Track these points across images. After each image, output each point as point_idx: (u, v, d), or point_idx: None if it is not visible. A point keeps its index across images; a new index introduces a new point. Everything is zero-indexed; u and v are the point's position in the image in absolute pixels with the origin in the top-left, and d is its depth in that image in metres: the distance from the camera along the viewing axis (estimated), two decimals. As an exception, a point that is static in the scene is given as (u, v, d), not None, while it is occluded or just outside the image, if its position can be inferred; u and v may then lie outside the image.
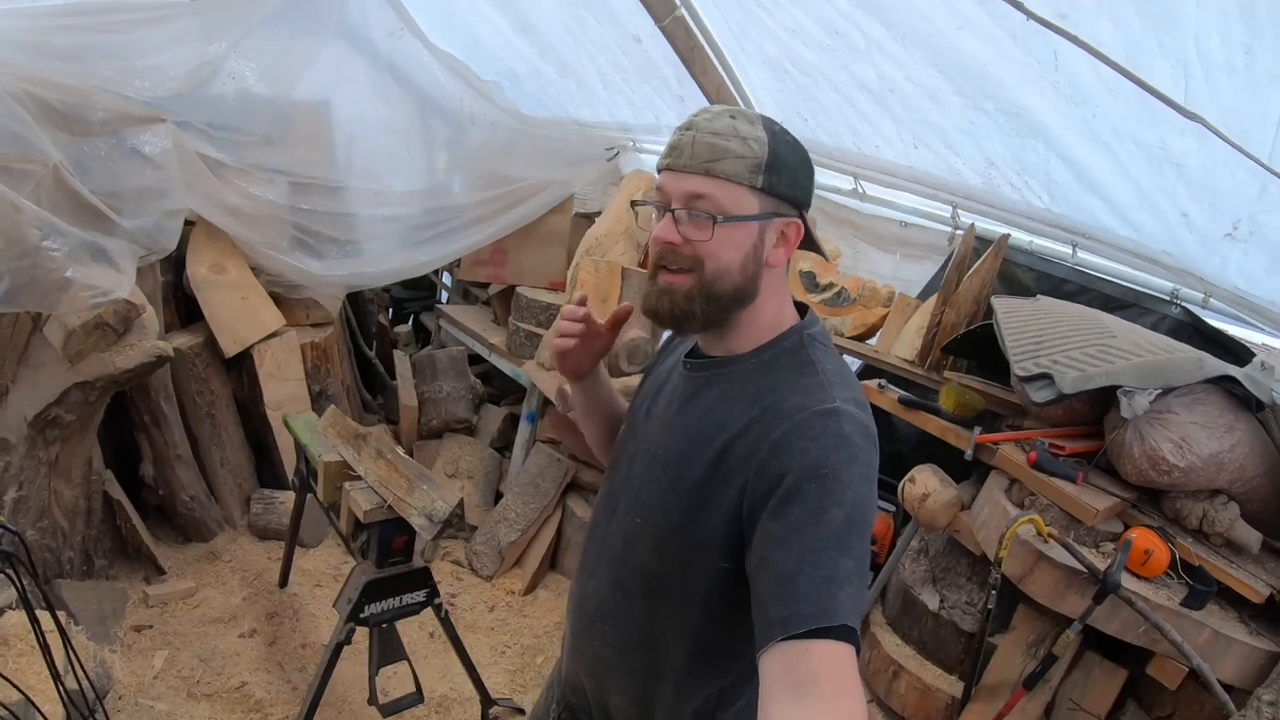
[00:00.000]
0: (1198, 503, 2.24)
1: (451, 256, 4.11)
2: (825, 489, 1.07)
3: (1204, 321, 2.69)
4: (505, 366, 4.20)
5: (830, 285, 3.50)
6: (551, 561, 3.87)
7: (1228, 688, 2.00)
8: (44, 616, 1.91)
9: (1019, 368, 2.41)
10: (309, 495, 3.05)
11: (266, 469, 3.70)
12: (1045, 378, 2.35)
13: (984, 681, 2.37)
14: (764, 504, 1.11)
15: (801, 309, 1.34)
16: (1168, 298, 2.79)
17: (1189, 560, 2.14)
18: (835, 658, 0.98)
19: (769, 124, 1.23)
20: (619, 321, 1.47)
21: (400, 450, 2.74)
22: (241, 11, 2.99)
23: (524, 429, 4.08)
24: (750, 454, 1.16)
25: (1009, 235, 3.02)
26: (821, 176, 3.82)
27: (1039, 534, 2.20)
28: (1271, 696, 1.94)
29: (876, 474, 1.15)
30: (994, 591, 2.28)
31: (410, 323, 5.08)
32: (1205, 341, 2.62)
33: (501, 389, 4.58)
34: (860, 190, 3.62)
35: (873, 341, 3.43)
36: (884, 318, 3.37)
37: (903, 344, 3.22)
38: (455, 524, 2.47)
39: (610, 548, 1.36)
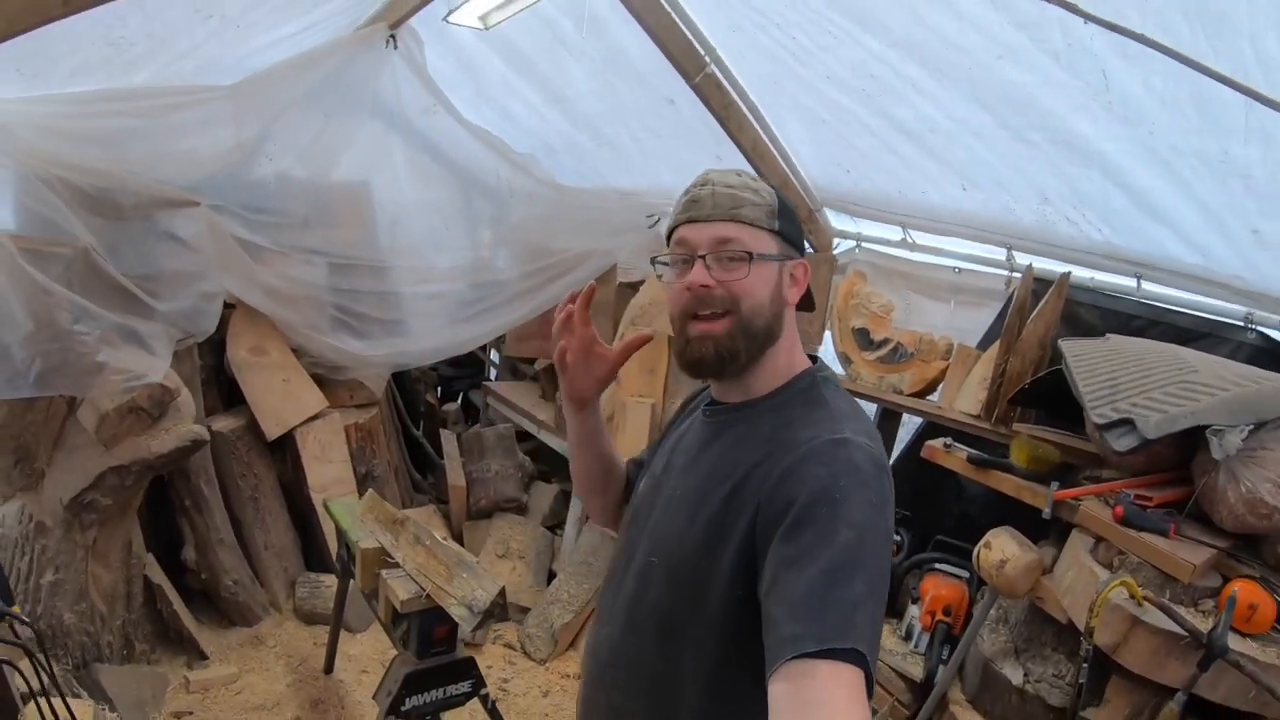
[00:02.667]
0: (1300, 544, 1.98)
1: (496, 332, 4.09)
2: (835, 512, 1.08)
3: (1285, 347, 2.45)
4: (554, 443, 4.11)
5: (885, 341, 3.34)
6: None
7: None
8: (74, 705, 1.84)
9: (1096, 414, 2.21)
10: (350, 581, 2.97)
11: (312, 552, 3.65)
12: (1126, 423, 2.15)
13: (1080, 763, 2.10)
14: (774, 529, 1.12)
15: (811, 357, 1.39)
16: (1242, 324, 2.56)
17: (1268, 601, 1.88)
18: (844, 681, 0.97)
19: (767, 182, 1.34)
20: (630, 349, 1.49)
21: (440, 535, 2.66)
22: (274, 94, 3.06)
23: (575, 506, 3.96)
24: (761, 483, 1.18)
25: (1070, 273, 2.83)
26: (869, 228, 3.71)
27: (1132, 597, 1.96)
28: None
29: (891, 504, 1.16)
30: (1085, 664, 2.03)
31: (459, 401, 5.05)
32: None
33: (552, 465, 4.48)
34: (909, 240, 3.48)
35: (934, 398, 3.24)
36: (944, 371, 3.19)
37: (966, 398, 3.02)
38: (497, 613, 2.36)
39: (625, 593, 1.37)
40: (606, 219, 4.24)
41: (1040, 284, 2.94)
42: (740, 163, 3.70)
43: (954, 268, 3.40)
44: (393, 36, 3.37)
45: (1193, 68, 1.93)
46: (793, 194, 3.60)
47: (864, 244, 3.75)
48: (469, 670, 2.57)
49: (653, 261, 1.37)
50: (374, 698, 2.57)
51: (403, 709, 2.45)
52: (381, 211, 3.78)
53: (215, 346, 3.28)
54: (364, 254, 3.64)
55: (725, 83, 3.27)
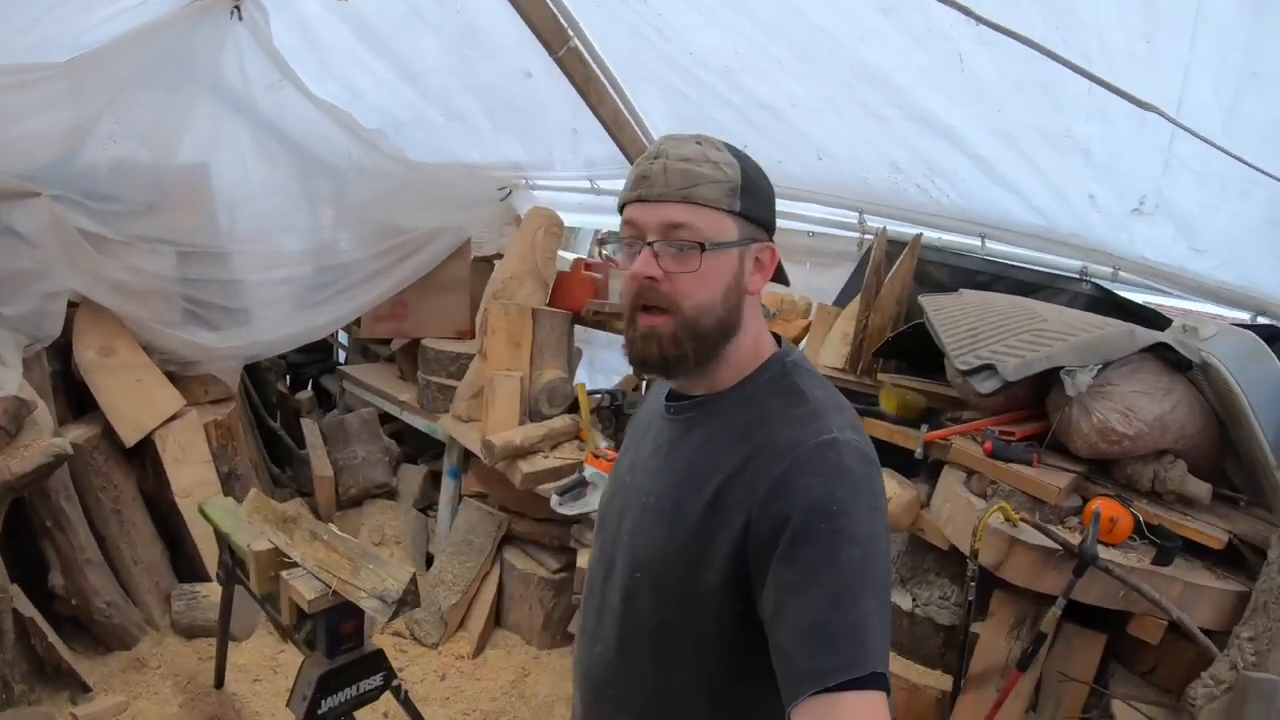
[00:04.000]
0: (1147, 465, 2.32)
1: (352, 315, 3.91)
2: (834, 526, 1.02)
3: (1116, 294, 2.83)
4: (419, 423, 4.01)
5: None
6: (496, 618, 3.69)
7: (1207, 633, 2.07)
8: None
9: (960, 362, 2.45)
10: (237, 587, 2.80)
11: (183, 562, 3.38)
12: (987, 368, 2.40)
13: (971, 671, 2.38)
14: (771, 547, 1.05)
15: (776, 336, 1.30)
16: (1078, 276, 2.92)
17: (1149, 521, 2.21)
18: (867, 710, 0.95)
19: (732, 148, 1.19)
20: None
21: (335, 529, 2.56)
22: (113, 71, 2.74)
23: (448, 486, 3.90)
24: (748, 493, 1.10)
25: (921, 235, 3.10)
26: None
27: (1008, 520, 2.23)
28: (1250, 633, 2.02)
29: (884, 499, 1.12)
30: (972, 583, 2.29)
31: (309, 387, 4.80)
32: (1120, 313, 2.74)
33: (416, 447, 4.36)
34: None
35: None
36: (805, 329, 3.40)
37: (829, 353, 3.24)
38: (410, 600, 2.32)
39: (610, 608, 1.29)
40: (457, 194, 4.15)
41: (893, 245, 3.20)
42: (598, 136, 3.75)
43: (808, 231, 3.62)
44: (237, 8, 3.10)
45: (1043, 53, 2.15)
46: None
47: (720, 212, 3.89)
48: (380, 663, 2.49)
49: (601, 242, 1.31)
50: (288, 705, 2.44)
51: (319, 712, 2.34)
52: (225, 194, 3.47)
53: (59, 350, 2.91)
54: (208, 241, 3.35)
55: (587, 56, 3.28)
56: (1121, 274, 2.81)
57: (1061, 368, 2.30)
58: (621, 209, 1.21)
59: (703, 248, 1.12)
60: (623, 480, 1.35)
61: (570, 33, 3.16)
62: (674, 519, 1.18)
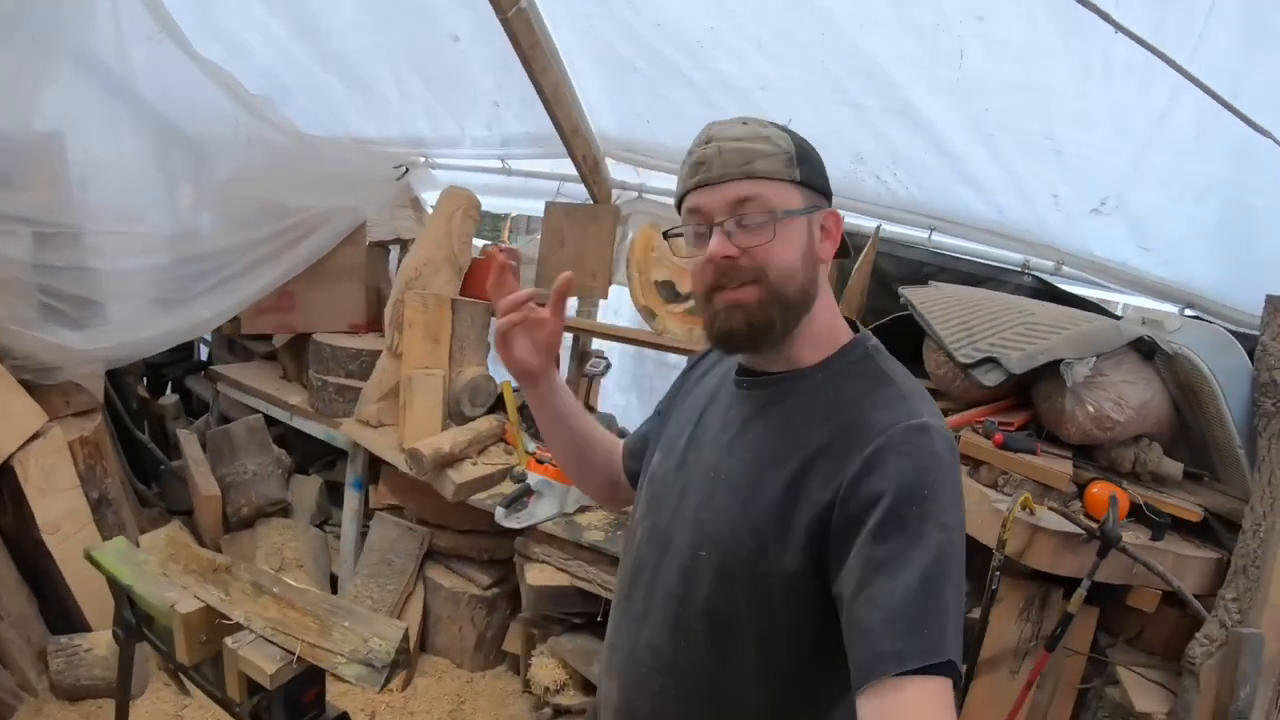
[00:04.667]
0: (1128, 449, 2.50)
1: (237, 308, 3.40)
2: (925, 512, 1.02)
3: (1055, 287, 3.02)
4: (315, 429, 3.58)
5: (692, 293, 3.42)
6: (421, 643, 3.38)
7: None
8: None
9: (961, 355, 2.53)
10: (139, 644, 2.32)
11: (54, 610, 2.81)
12: (990, 361, 2.49)
13: (983, 655, 2.46)
14: (859, 524, 1.05)
15: (852, 323, 1.31)
16: (1019, 269, 3.10)
17: (1144, 501, 2.38)
18: (938, 697, 0.95)
19: (775, 124, 1.22)
20: (563, 296, 1.37)
21: (291, 580, 2.18)
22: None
23: (351, 499, 3.51)
24: (836, 470, 1.09)
25: (880, 226, 3.16)
26: (653, 179, 3.73)
27: (1024, 508, 2.32)
28: (1233, 594, 2.23)
29: (962, 491, 1.13)
30: (997, 572, 2.36)
31: (169, 390, 4.13)
32: (1057, 303, 2.93)
33: (304, 455, 3.89)
34: (699, 192, 3.57)
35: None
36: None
37: None
38: (403, 661, 2.00)
39: (665, 589, 1.26)
40: (351, 172, 3.72)
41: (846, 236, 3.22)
42: (520, 112, 3.50)
43: (748, 220, 3.57)
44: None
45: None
46: (581, 143, 3.47)
47: (646, 195, 3.76)
48: (347, 728, 2.16)
49: (665, 235, 1.29)
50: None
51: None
52: (84, 167, 2.87)
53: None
54: (70, 221, 2.75)
55: (535, 21, 3.02)
56: (1064, 268, 3.00)
57: (1061, 360, 2.42)
58: (680, 201, 1.24)
59: (776, 215, 1.14)
60: (683, 457, 1.31)
61: (525, -8, 2.89)
62: (750, 495, 1.17)
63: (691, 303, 3.42)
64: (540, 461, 3.12)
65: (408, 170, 3.87)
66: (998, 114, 2.58)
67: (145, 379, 3.86)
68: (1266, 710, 2.10)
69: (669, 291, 3.46)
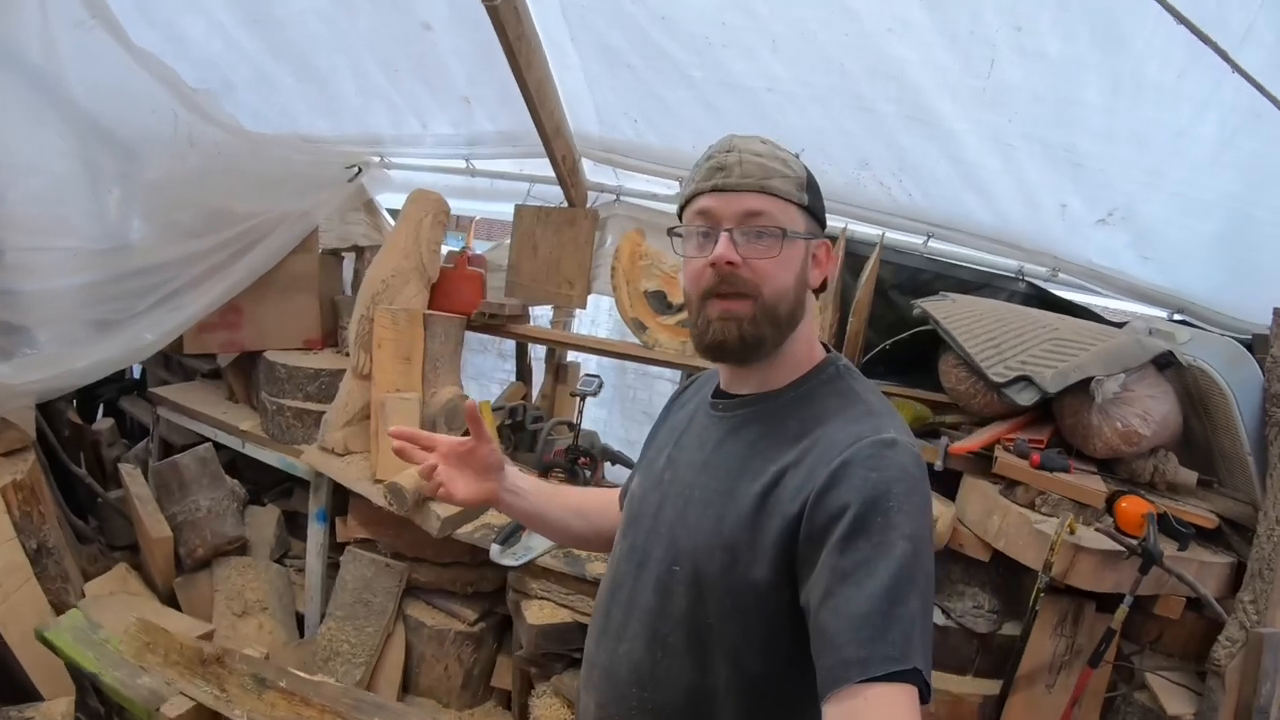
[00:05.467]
0: (1147, 460, 2.58)
1: (184, 326, 3.05)
2: (890, 523, 1.06)
3: (1049, 292, 3.09)
4: (270, 458, 3.29)
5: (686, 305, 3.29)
6: (404, 685, 3.17)
7: (1210, 601, 2.38)
8: None
9: (994, 374, 2.55)
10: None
11: (-1, 678, 2.44)
12: (1023, 379, 2.50)
13: (1020, 671, 2.48)
14: (825, 535, 1.08)
15: (824, 344, 1.37)
16: (1014, 275, 3.14)
17: (1170, 513, 2.44)
18: (903, 703, 0.98)
19: (787, 150, 1.27)
20: (478, 420, 1.44)
21: (297, 671, 1.97)
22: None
23: (315, 532, 3.25)
24: (804, 484, 1.13)
25: (884, 234, 3.12)
26: (631, 182, 3.58)
27: (1070, 530, 2.34)
28: (1250, 596, 2.33)
29: (931, 505, 1.16)
30: (1041, 593, 2.37)
31: (100, 413, 3.71)
32: (1050, 308, 2.99)
33: (257, 482, 3.57)
34: (682, 196, 3.45)
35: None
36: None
37: None
38: None
39: (642, 604, 1.29)
40: (300, 173, 3.40)
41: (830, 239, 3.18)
42: (492, 110, 3.29)
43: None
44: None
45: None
46: (562, 144, 3.29)
47: (624, 198, 3.61)
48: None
49: (670, 233, 1.30)
50: None
51: None
52: (7, 172, 2.48)
53: None
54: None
55: (522, 11, 2.81)
56: (1060, 274, 3.06)
57: (1092, 377, 2.44)
58: (688, 202, 1.26)
59: (784, 233, 1.19)
60: (660, 477, 1.36)
61: (515, -25, 2.69)
62: (723, 510, 1.20)
63: (684, 314, 3.30)
64: (534, 489, 2.95)
65: (361, 171, 3.57)
66: (1020, 124, 2.60)
67: (74, 401, 3.44)
68: (1280, 702, 2.22)
69: (659, 302, 3.34)
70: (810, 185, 1.25)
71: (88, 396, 3.69)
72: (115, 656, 2.03)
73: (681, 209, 1.30)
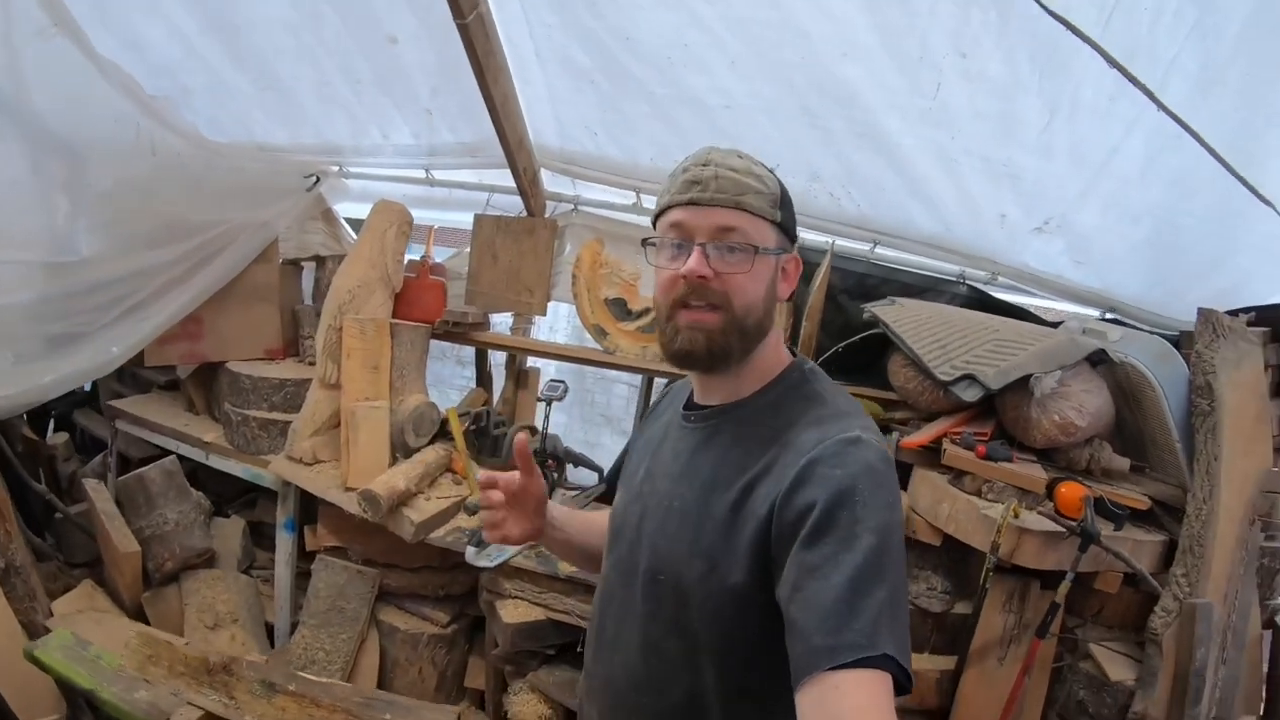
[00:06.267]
0: (1084, 449, 2.82)
1: (149, 338, 3.08)
2: (855, 516, 1.11)
3: (989, 295, 3.33)
4: (236, 469, 3.33)
5: (645, 311, 3.45)
6: (379, 689, 3.22)
7: (1144, 577, 2.63)
8: None
9: (941, 373, 2.76)
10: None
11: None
12: (968, 378, 2.73)
13: (973, 647, 2.70)
14: (794, 533, 1.14)
15: (790, 348, 1.43)
16: (956, 279, 3.38)
17: (1098, 495, 2.68)
18: (873, 690, 1.01)
19: (762, 164, 1.33)
20: (527, 458, 1.46)
21: (308, 675, 2.05)
22: None
23: (284, 542, 3.31)
24: (773, 488, 1.19)
25: (834, 242, 3.33)
26: (588, 191, 3.72)
27: (1015, 515, 2.56)
28: (1182, 570, 2.58)
29: (900, 499, 1.23)
30: (990, 572, 2.59)
31: (52, 427, 3.66)
32: (990, 310, 3.23)
33: (220, 494, 3.59)
34: (640, 204, 3.61)
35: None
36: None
37: None
38: None
39: (633, 614, 1.36)
40: (260, 183, 3.44)
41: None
42: (452, 122, 3.39)
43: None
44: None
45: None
46: (524, 156, 3.41)
47: (582, 207, 3.75)
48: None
49: (643, 243, 1.35)
50: None
51: None
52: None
53: None
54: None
55: (490, 28, 2.92)
56: (999, 278, 3.31)
57: (1031, 374, 2.68)
58: (662, 212, 1.32)
59: (756, 250, 1.24)
60: (639, 490, 1.42)
61: (483, -5, 2.80)
62: (699, 520, 1.26)
63: (644, 320, 3.46)
64: (503, 493, 3.05)
65: (319, 180, 3.62)
66: (963, 141, 2.81)
67: (25, 416, 3.41)
68: (1215, 667, 2.49)
69: (620, 309, 3.48)
70: (784, 201, 1.30)
71: (39, 411, 3.65)
72: (109, 672, 2.08)
73: (655, 218, 1.34)
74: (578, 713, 1.57)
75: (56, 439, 3.48)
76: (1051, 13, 2.12)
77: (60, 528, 3.29)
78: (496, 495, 1.43)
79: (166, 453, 3.34)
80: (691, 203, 1.24)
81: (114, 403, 3.45)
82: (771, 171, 1.31)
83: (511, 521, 1.48)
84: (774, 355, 1.34)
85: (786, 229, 1.31)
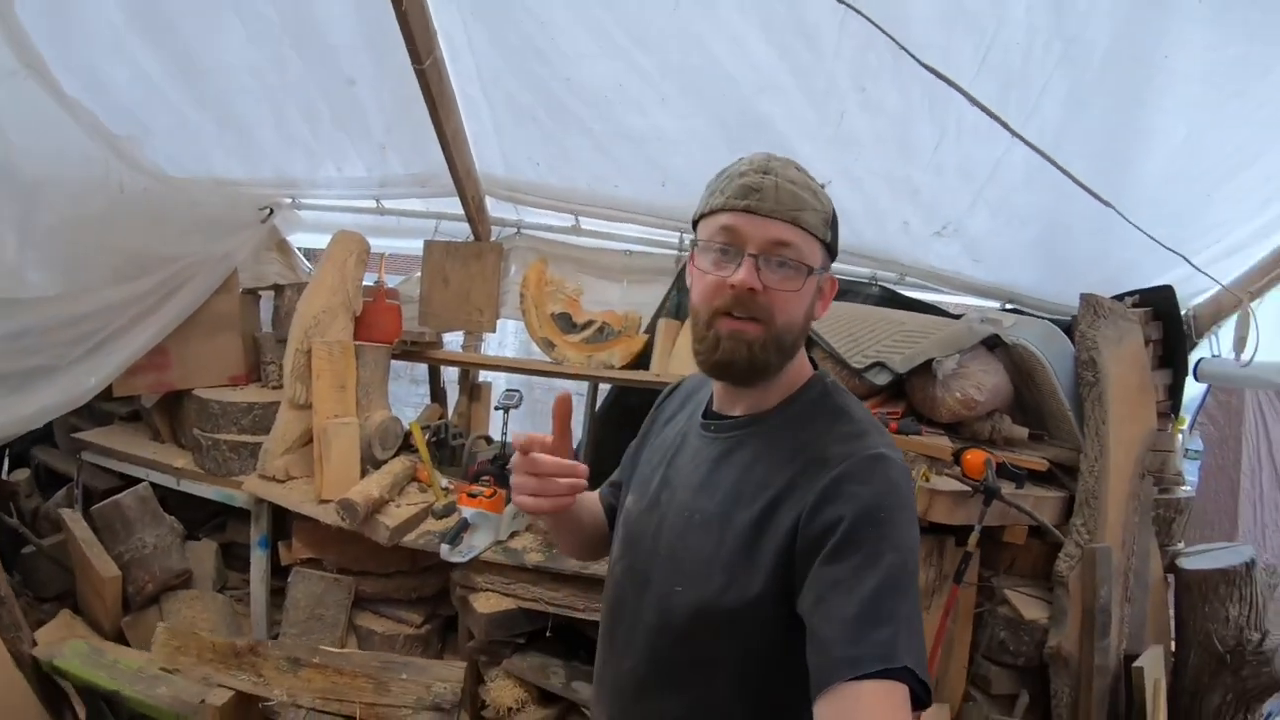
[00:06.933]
0: (985, 422, 3.26)
1: (121, 368, 3.27)
2: (881, 533, 1.14)
3: (899, 293, 3.80)
4: (208, 491, 3.53)
5: (590, 323, 3.80)
6: (359, 692, 3.46)
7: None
8: None
9: (854, 362, 3.17)
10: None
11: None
12: (878, 365, 3.15)
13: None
14: (818, 547, 1.16)
15: (810, 360, 1.43)
16: (868, 280, 3.84)
17: (1000, 460, 3.11)
18: (892, 701, 1.04)
19: (815, 180, 1.33)
20: (565, 419, 1.38)
21: (328, 647, 2.27)
22: None
23: (258, 559, 3.52)
24: (798, 503, 1.21)
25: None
26: (536, 216, 4.05)
27: (925, 479, 2.98)
28: (1081, 520, 3.01)
29: (917, 515, 1.27)
30: (909, 530, 3.00)
31: (7, 463, 3.73)
32: (902, 307, 3.69)
33: (188, 519, 3.74)
34: (579, 226, 3.97)
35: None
36: (647, 344, 3.80)
37: (681, 363, 3.67)
38: (465, 700, 2.12)
39: (645, 623, 1.36)
40: (219, 216, 3.67)
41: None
42: (406, 156, 3.69)
43: (625, 250, 4.03)
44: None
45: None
46: (472, 185, 3.74)
47: (524, 230, 4.08)
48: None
49: (693, 245, 1.33)
50: None
51: None
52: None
53: None
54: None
55: (443, 71, 3.25)
56: (908, 278, 3.79)
57: (933, 359, 3.13)
58: (710, 214, 1.30)
59: (809, 271, 1.25)
60: (656, 498, 1.42)
61: (438, 42, 3.12)
62: (722, 535, 1.27)
63: (587, 332, 3.80)
64: (471, 495, 3.32)
65: (273, 212, 3.86)
66: (866, 162, 3.26)
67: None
68: (1120, 604, 2.93)
69: (565, 322, 3.82)
70: (834, 222, 1.30)
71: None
72: (129, 673, 2.26)
73: (700, 217, 1.33)
74: (589, 716, 1.62)
75: (18, 475, 3.59)
76: (926, 66, 2.53)
77: (28, 563, 3.40)
78: (545, 460, 1.29)
79: (132, 482, 3.50)
80: (748, 210, 1.22)
81: (80, 435, 3.60)
82: (824, 187, 1.30)
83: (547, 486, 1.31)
84: (797, 367, 1.35)
85: (832, 250, 1.31)
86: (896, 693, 1.02)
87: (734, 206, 1.23)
